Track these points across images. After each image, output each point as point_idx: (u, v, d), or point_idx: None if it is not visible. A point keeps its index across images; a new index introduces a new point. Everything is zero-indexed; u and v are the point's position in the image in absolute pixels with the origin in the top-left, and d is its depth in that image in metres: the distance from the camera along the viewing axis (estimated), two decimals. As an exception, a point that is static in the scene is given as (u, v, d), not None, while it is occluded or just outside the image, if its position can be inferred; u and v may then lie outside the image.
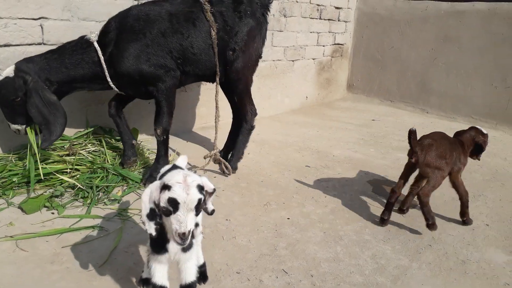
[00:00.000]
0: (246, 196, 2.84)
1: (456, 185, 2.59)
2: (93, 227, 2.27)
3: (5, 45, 2.77)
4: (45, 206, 2.43)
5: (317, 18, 5.50)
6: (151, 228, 1.35)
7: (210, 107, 3.88)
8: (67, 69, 2.62)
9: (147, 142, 3.55)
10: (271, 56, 4.90)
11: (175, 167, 1.60)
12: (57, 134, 2.52)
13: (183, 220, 1.30)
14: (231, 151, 3.32)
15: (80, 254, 2.03)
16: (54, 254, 2.01)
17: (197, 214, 1.35)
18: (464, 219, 2.62)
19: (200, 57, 2.86)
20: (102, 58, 2.66)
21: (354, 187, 3.13)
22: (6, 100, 2.48)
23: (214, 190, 1.46)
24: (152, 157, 3.16)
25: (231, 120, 3.44)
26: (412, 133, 2.42)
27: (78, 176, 2.70)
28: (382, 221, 2.55)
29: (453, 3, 5.40)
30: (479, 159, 2.72)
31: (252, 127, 3.29)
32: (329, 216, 2.65)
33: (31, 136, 2.58)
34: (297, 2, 5.04)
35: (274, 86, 5.10)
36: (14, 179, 2.55)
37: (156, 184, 1.37)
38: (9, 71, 2.45)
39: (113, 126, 3.38)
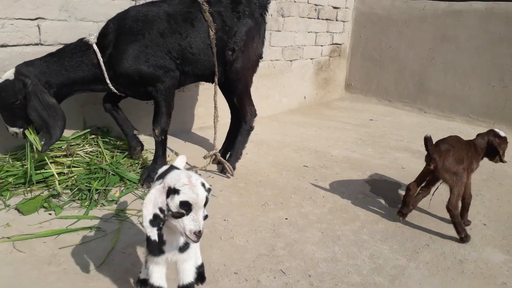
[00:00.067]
0: (244, 196, 2.84)
1: (464, 186, 2.58)
2: (90, 228, 2.26)
3: (2, 46, 2.76)
4: (42, 207, 2.42)
5: (315, 18, 5.50)
6: (154, 234, 1.35)
7: (208, 107, 3.88)
8: (67, 71, 2.63)
9: (145, 142, 3.53)
10: (269, 56, 4.90)
11: (172, 167, 1.60)
12: (56, 136, 2.52)
13: (197, 219, 1.35)
14: (229, 151, 3.32)
15: (77, 255, 2.02)
16: (51, 255, 2.01)
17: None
18: (463, 220, 2.62)
19: (199, 57, 2.86)
20: (101, 60, 2.66)
21: (352, 187, 3.13)
22: (6, 103, 2.48)
23: (210, 189, 1.47)
24: (150, 157, 3.15)
25: (229, 120, 3.44)
26: (428, 140, 2.40)
27: (75, 177, 2.69)
28: (401, 214, 2.59)
29: (451, 3, 5.41)
30: (496, 162, 2.63)
31: (252, 128, 3.29)
32: (327, 216, 2.65)
33: (31, 136, 2.59)
34: (295, 2, 5.04)
35: (272, 86, 5.10)
36: (10, 180, 2.55)
37: (159, 189, 1.37)
38: (9, 74, 2.45)
39: (110, 125, 3.39)
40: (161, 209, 1.35)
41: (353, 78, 6.51)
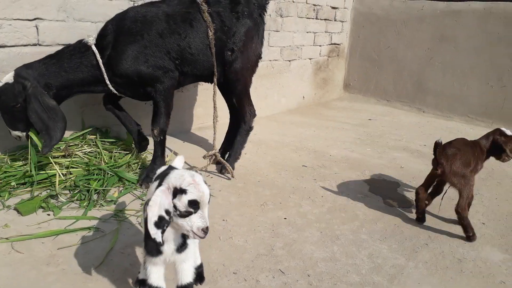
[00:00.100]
0: (243, 196, 2.84)
1: None
2: (89, 228, 2.26)
3: (0, 46, 2.75)
4: (41, 207, 2.42)
5: (313, 18, 5.50)
6: (158, 236, 1.36)
7: (207, 108, 3.88)
8: (66, 73, 2.62)
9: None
10: (268, 56, 4.90)
11: (170, 168, 1.60)
12: (57, 138, 2.52)
13: (204, 216, 1.39)
14: (228, 151, 3.32)
15: (76, 256, 2.02)
16: (50, 256, 2.01)
17: None
18: None
19: (198, 58, 2.86)
20: (100, 61, 2.66)
21: (351, 187, 3.13)
22: (6, 106, 2.48)
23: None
24: (149, 157, 3.15)
25: (228, 120, 3.44)
26: (438, 145, 2.41)
27: (74, 177, 2.69)
28: (419, 219, 2.61)
29: (449, 3, 5.42)
30: (503, 161, 2.62)
31: (251, 128, 3.29)
32: (326, 215, 2.65)
33: (36, 137, 2.59)
34: (293, 2, 5.04)
35: (270, 86, 5.10)
36: (12, 182, 2.55)
37: (164, 190, 1.38)
38: (9, 77, 2.45)
39: (108, 126, 3.38)
40: (167, 211, 1.36)
41: (351, 78, 6.52)
